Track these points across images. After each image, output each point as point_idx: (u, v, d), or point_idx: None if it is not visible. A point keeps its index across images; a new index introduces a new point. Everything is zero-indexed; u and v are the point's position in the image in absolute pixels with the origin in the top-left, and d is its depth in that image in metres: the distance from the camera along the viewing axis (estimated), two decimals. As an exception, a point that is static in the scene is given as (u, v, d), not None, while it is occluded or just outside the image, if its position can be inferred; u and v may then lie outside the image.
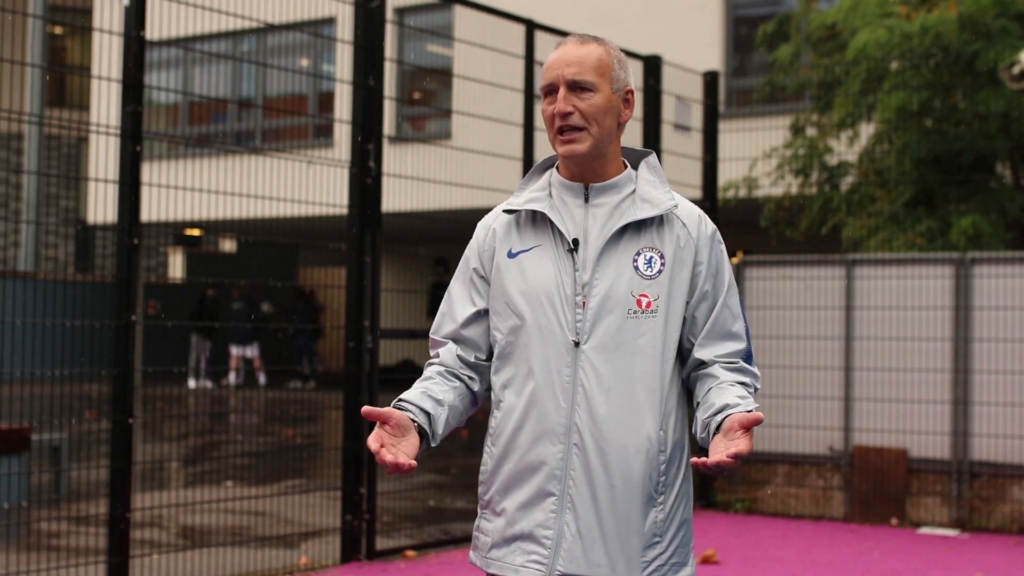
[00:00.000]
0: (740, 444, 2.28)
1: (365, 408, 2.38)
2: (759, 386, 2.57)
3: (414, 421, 2.45)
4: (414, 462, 2.35)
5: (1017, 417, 8.23)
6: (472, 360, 2.62)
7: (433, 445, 2.51)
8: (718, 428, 2.39)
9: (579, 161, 2.54)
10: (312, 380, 20.35)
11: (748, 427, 2.31)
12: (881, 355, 8.63)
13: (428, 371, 2.63)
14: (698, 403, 2.53)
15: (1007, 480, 8.26)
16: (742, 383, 2.51)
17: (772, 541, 7.95)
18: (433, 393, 2.54)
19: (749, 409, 2.39)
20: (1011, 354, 8.25)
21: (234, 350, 20.08)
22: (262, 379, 19.96)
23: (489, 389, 2.64)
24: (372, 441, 2.35)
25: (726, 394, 2.45)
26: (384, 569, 6.71)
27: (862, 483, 8.62)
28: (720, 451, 2.31)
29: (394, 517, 8.46)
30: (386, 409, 2.40)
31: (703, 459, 2.29)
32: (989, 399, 8.30)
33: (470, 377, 2.62)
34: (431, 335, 2.68)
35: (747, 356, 2.56)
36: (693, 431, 2.53)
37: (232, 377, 20.00)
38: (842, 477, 8.75)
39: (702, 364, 2.54)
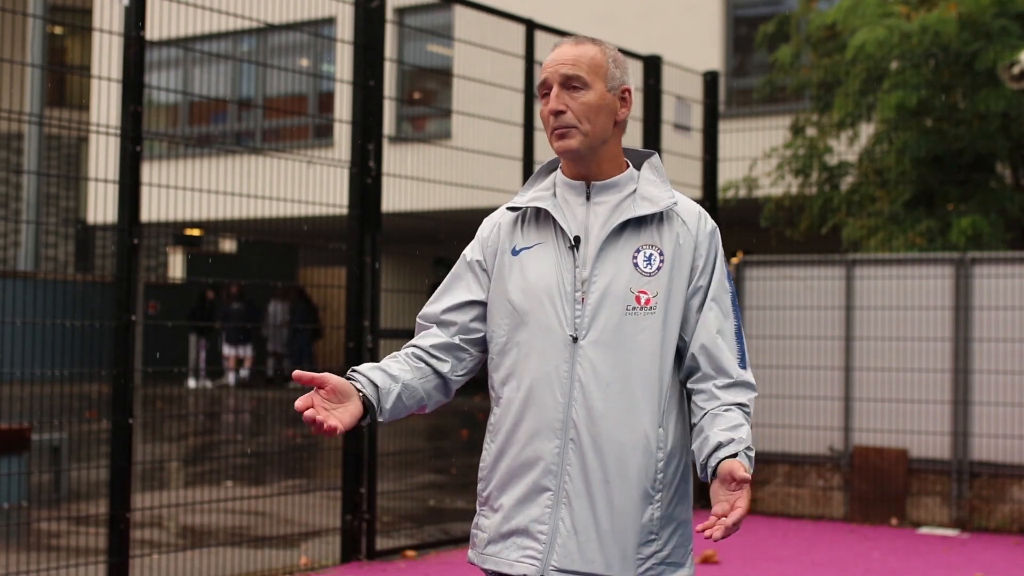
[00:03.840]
0: (738, 509, 2.32)
1: (296, 372, 2.36)
2: (755, 392, 2.56)
3: (360, 391, 2.45)
4: (339, 424, 2.35)
5: (1017, 417, 8.23)
6: (452, 342, 2.61)
7: (381, 420, 2.50)
8: (715, 471, 2.41)
9: (573, 157, 2.55)
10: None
11: (740, 482, 2.35)
12: (881, 355, 8.63)
13: (396, 352, 2.63)
14: (694, 425, 2.53)
15: (1007, 480, 8.26)
16: (738, 403, 2.50)
17: (772, 541, 7.95)
18: (388, 368, 2.54)
19: (739, 449, 2.41)
20: (1011, 354, 8.25)
21: (228, 350, 20.09)
22: (241, 376, 20.02)
23: (465, 375, 2.63)
24: (299, 402, 2.35)
25: (719, 426, 2.45)
26: (384, 569, 6.71)
27: (862, 483, 8.62)
28: (721, 501, 2.36)
29: (394, 517, 8.46)
30: (319, 374, 2.40)
31: (709, 531, 2.32)
32: (989, 399, 8.30)
33: (440, 359, 2.60)
34: (417, 318, 2.68)
35: (741, 358, 2.55)
36: (694, 458, 2.54)
37: (231, 377, 20.00)
38: (842, 477, 8.75)
39: (695, 371, 2.53)
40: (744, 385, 2.53)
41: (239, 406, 17.20)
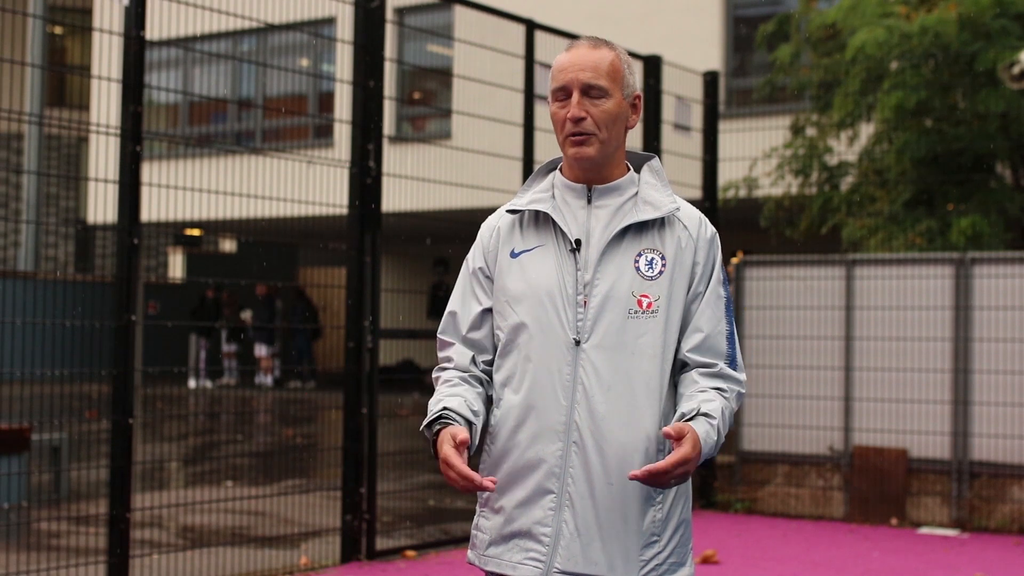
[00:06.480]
0: (672, 456, 2.33)
1: (446, 453, 2.38)
2: (742, 389, 2.57)
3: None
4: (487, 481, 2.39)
5: (1017, 417, 8.23)
6: (481, 366, 2.62)
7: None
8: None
9: (588, 165, 2.56)
10: (312, 380, 20.33)
11: (677, 437, 2.35)
12: (881, 355, 8.63)
13: (448, 376, 2.61)
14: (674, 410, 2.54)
15: (1007, 480, 8.26)
16: (716, 388, 2.51)
17: (772, 541, 7.95)
18: (471, 404, 2.54)
19: (701, 411, 2.42)
20: (1011, 354, 8.25)
21: (260, 350, 20.03)
22: (268, 380, 19.94)
23: None
24: (463, 469, 2.36)
25: (690, 402, 2.47)
26: (384, 569, 6.71)
27: (862, 483, 8.62)
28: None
29: (394, 517, 8.46)
30: (459, 430, 2.41)
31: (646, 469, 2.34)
32: (989, 399, 8.30)
33: (486, 383, 2.62)
34: (439, 335, 2.68)
35: (731, 361, 2.56)
36: None
37: (268, 379, 19.87)
38: (842, 477, 8.75)
39: (684, 367, 2.56)
40: (727, 378, 2.54)
41: (244, 407, 17.17)
